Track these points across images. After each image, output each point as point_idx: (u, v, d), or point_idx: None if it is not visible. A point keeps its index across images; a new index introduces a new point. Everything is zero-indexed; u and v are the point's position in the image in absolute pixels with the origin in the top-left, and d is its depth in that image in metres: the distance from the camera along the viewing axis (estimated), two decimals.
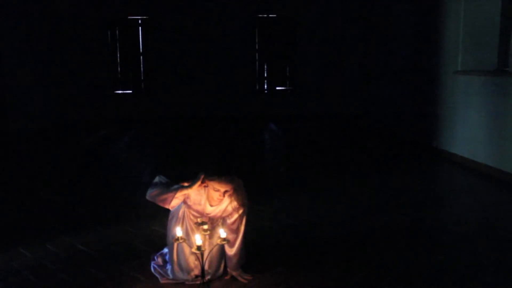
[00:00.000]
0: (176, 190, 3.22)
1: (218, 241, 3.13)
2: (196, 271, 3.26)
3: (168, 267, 3.38)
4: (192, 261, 3.27)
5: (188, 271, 3.28)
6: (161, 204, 3.31)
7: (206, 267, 3.20)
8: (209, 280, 3.25)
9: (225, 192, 3.18)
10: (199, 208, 3.29)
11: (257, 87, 12.12)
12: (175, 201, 3.27)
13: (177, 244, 3.26)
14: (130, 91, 11.78)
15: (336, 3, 11.53)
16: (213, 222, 3.32)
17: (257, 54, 12.00)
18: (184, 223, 3.30)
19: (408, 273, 3.44)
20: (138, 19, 11.54)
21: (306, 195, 5.42)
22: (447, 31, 7.13)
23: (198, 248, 3.02)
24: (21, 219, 4.76)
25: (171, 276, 3.32)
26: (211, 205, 3.27)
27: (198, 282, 3.21)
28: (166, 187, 3.27)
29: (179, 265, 3.29)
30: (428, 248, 3.93)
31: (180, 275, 3.28)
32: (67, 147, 8.71)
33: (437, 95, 7.45)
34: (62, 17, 10.86)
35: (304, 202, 5.19)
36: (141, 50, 11.64)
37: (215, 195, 3.19)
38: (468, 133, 6.69)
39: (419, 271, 3.48)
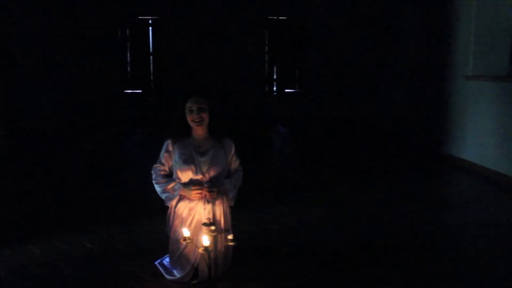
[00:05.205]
0: (160, 187, 3.41)
1: (226, 242, 3.13)
2: (202, 271, 3.25)
3: (174, 266, 3.38)
4: (193, 258, 3.25)
5: (191, 269, 3.25)
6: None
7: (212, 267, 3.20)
8: (215, 280, 3.24)
9: (200, 109, 3.27)
10: (192, 168, 3.29)
11: (266, 89, 12.12)
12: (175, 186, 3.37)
13: (179, 243, 3.26)
14: (140, 91, 11.83)
15: (346, 6, 11.50)
16: (214, 183, 3.32)
17: (266, 56, 12.00)
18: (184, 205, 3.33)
19: (413, 278, 3.41)
20: (149, 19, 11.59)
21: (312, 198, 5.40)
22: (458, 35, 7.09)
23: (206, 249, 3.01)
24: (30, 216, 4.79)
25: (177, 276, 3.32)
26: (200, 150, 3.33)
27: (204, 282, 3.21)
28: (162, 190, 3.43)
29: (182, 264, 3.30)
30: (434, 253, 3.90)
31: (185, 274, 3.27)
32: (76, 146, 8.75)
33: (447, 100, 7.40)
34: (73, 18, 10.91)
35: (310, 205, 5.16)
36: (151, 50, 11.69)
37: (195, 119, 3.27)
38: (478, 139, 6.64)
39: (424, 275, 3.45)
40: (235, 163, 3.54)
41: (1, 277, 3.42)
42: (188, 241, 3.14)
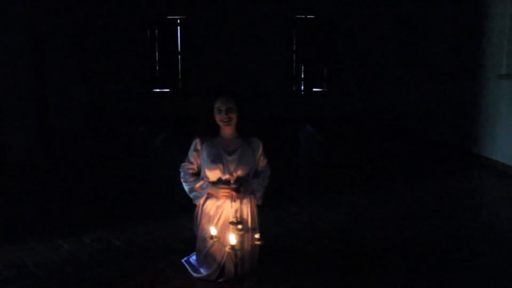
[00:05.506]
0: (188, 186, 3.43)
1: (252, 242, 3.12)
2: (228, 269, 3.25)
3: (201, 264, 3.39)
4: (220, 256, 3.26)
5: (217, 267, 3.26)
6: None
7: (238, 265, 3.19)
8: (242, 279, 3.24)
9: (228, 109, 3.28)
10: (220, 167, 3.30)
11: (294, 88, 12.07)
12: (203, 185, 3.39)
13: (207, 241, 3.27)
14: (168, 90, 11.94)
15: (375, 4, 11.36)
16: (242, 184, 3.32)
17: (294, 55, 11.96)
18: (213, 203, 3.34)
19: (438, 281, 3.34)
20: (177, 18, 11.68)
21: (339, 199, 5.34)
22: (491, 33, 6.90)
23: (232, 247, 3.01)
24: (60, 212, 4.88)
25: (203, 273, 3.32)
26: (228, 149, 3.34)
27: (230, 280, 3.21)
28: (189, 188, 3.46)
29: (209, 262, 3.30)
30: (461, 257, 3.80)
31: (211, 272, 3.28)
32: (105, 143, 8.88)
33: (479, 99, 7.22)
34: (103, 17, 11.08)
35: (335, 205, 5.11)
36: (179, 50, 11.78)
37: (223, 119, 3.29)
38: (511, 140, 6.45)
39: (449, 280, 3.38)
40: (262, 163, 3.53)
41: (30, 271, 3.49)
42: (215, 239, 3.15)
